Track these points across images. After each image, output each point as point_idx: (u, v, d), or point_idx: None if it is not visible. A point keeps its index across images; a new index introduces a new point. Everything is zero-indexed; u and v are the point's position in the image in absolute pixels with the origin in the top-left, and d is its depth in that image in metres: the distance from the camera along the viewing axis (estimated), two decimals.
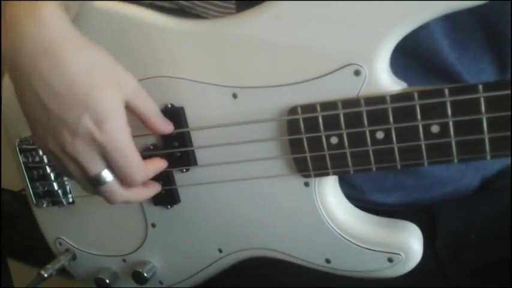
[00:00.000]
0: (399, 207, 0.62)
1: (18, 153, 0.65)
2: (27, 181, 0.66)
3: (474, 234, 0.59)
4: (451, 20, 0.52)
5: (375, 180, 0.61)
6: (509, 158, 0.63)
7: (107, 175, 0.49)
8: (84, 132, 0.46)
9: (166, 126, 0.53)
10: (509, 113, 0.43)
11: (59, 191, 0.65)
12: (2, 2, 0.49)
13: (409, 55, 0.53)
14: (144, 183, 0.53)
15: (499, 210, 0.60)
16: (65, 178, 0.65)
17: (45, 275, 0.64)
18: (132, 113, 0.50)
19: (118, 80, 0.48)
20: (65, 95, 0.45)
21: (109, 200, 0.51)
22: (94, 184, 0.49)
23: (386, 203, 0.62)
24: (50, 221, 0.69)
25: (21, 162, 0.66)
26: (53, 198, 0.66)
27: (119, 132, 0.47)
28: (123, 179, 0.50)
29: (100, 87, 0.46)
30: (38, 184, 0.66)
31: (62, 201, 0.65)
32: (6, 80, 0.64)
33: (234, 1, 0.51)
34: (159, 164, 0.55)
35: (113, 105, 0.47)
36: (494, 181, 0.64)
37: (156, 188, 0.56)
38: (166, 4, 0.57)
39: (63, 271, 0.68)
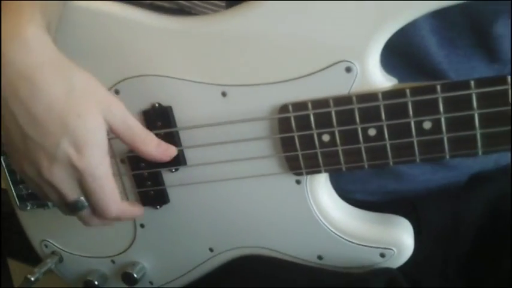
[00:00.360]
0: (380, 204, 0.61)
1: (2, 155, 0.63)
2: (10, 184, 0.64)
3: (463, 228, 0.60)
4: (440, 17, 0.52)
5: (358, 182, 0.61)
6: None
7: (84, 201, 0.49)
8: (62, 157, 0.45)
9: (160, 154, 0.51)
10: (502, 108, 0.43)
11: None
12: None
13: (398, 54, 0.53)
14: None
15: (488, 205, 0.60)
16: None
17: (32, 279, 0.62)
18: (121, 141, 0.50)
19: (100, 104, 0.47)
20: (43, 120, 0.45)
21: (85, 223, 0.52)
22: (71, 209, 0.50)
23: (366, 200, 0.62)
24: (34, 223, 0.67)
25: (4, 164, 0.64)
26: (37, 201, 0.64)
27: (98, 160, 0.46)
28: (95, 209, 0.49)
29: (79, 113, 0.45)
30: (21, 186, 0.64)
31: (46, 204, 0.64)
32: None
33: (236, 1, 0.50)
34: (136, 210, 0.54)
35: (93, 131, 0.46)
36: (480, 176, 0.64)
37: (138, 210, 0.55)
38: (166, 4, 0.56)
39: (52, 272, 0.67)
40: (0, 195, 0.68)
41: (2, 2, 0.46)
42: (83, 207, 0.49)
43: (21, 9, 0.45)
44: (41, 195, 0.51)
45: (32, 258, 0.68)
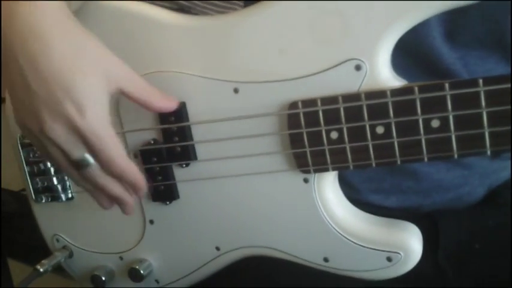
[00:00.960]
0: (399, 212, 0.61)
1: (20, 147, 0.65)
2: (27, 176, 0.66)
3: (479, 245, 0.58)
4: (453, 20, 0.52)
5: (372, 180, 0.60)
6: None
7: (89, 158, 0.49)
8: (64, 116, 0.46)
9: (168, 104, 0.53)
10: (510, 107, 0.43)
11: (58, 186, 0.65)
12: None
13: (410, 55, 0.53)
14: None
15: (505, 222, 0.59)
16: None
17: (41, 270, 0.63)
18: (129, 99, 0.51)
19: (106, 68, 0.48)
20: (49, 78, 0.46)
21: (94, 183, 0.51)
22: (78, 167, 0.50)
23: (384, 206, 0.61)
24: (48, 218, 0.68)
25: (22, 156, 0.66)
26: (52, 194, 0.66)
27: (100, 120, 0.47)
28: (102, 163, 0.49)
29: (84, 74, 0.47)
30: (37, 179, 0.66)
31: (61, 197, 0.65)
32: None
33: (236, 1, 0.52)
34: (139, 174, 0.53)
35: (96, 92, 0.47)
36: (500, 192, 0.63)
37: (130, 200, 0.55)
38: (166, 4, 0.58)
39: (61, 269, 0.68)
40: (0, 195, 0.70)
41: None
42: (88, 164, 0.49)
43: None
44: (46, 155, 0.51)
45: (32, 258, 0.69)
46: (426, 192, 0.61)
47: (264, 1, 0.51)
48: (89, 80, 0.47)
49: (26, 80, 0.46)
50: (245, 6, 0.62)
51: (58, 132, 0.47)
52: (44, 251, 0.69)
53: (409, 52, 0.52)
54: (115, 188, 0.52)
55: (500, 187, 0.64)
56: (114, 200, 0.54)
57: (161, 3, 0.61)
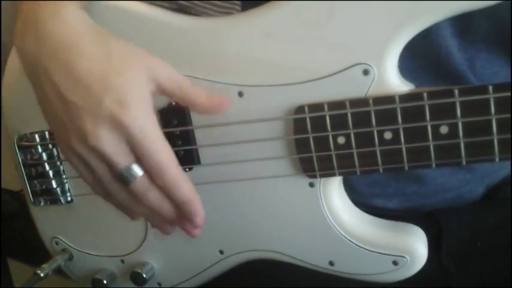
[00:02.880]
0: (401, 213, 0.61)
1: (17, 150, 0.64)
2: (25, 179, 0.65)
3: (481, 243, 0.59)
4: (463, 20, 0.51)
5: (376, 185, 0.60)
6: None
7: (137, 169, 0.45)
8: (106, 114, 0.43)
9: (211, 103, 0.48)
10: None
11: (58, 189, 0.64)
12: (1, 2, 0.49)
13: (418, 57, 0.53)
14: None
15: (506, 219, 0.59)
16: (64, 176, 0.64)
17: (42, 275, 0.62)
18: (171, 98, 0.49)
19: (143, 65, 0.46)
20: (85, 82, 0.44)
21: (141, 199, 0.47)
22: (124, 181, 0.45)
23: (387, 208, 0.61)
24: (47, 220, 0.68)
25: (20, 159, 0.64)
26: (51, 197, 0.65)
27: (144, 114, 0.44)
28: (151, 170, 0.45)
29: (119, 71, 0.45)
30: (36, 182, 0.65)
31: (60, 200, 0.64)
32: (7, 77, 0.64)
33: (235, 1, 0.51)
34: (195, 194, 0.48)
35: (135, 86, 0.45)
36: (499, 189, 0.64)
37: (186, 224, 0.50)
38: (166, 4, 0.57)
39: (60, 270, 0.67)
40: (0, 195, 0.69)
41: None
42: (136, 175, 0.45)
43: None
44: (88, 175, 0.48)
45: (32, 258, 0.69)
46: (428, 195, 0.61)
47: (269, 3, 0.50)
48: (127, 78, 0.44)
49: (61, 94, 0.45)
50: (242, 6, 0.62)
51: (102, 139, 0.44)
52: (44, 251, 0.68)
53: (418, 52, 0.51)
54: (169, 208, 0.48)
55: (499, 184, 0.64)
56: (165, 225, 0.51)
57: (161, 3, 0.59)
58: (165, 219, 0.49)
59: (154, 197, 0.47)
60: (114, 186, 0.47)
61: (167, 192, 0.47)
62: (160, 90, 0.47)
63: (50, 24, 0.46)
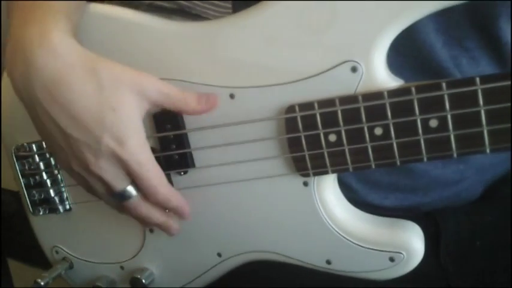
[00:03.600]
0: (398, 212, 0.61)
1: (15, 160, 0.65)
2: (24, 189, 0.66)
3: (479, 242, 0.59)
4: (447, 18, 0.52)
5: (368, 180, 0.60)
6: (510, 163, 0.63)
7: (131, 190, 0.51)
8: (106, 151, 0.48)
9: (203, 107, 0.52)
10: (508, 104, 0.43)
11: (56, 198, 0.64)
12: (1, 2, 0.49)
13: (404, 54, 0.53)
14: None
15: (505, 218, 0.59)
16: (62, 185, 0.65)
17: (42, 283, 0.63)
18: (164, 108, 0.51)
19: (132, 88, 0.48)
20: (82, 119, 0.47)
21: (133, 213, 0.53)
22: (120, 199, 0.52)
23: (383, 206, 0.61)
24: (46, 229, 0.68)
25: (18, 169, 0.65)
26: (50, 206, 0.65)
27: (140, 147, 0.49)
28: (146, 193, 0.51)
29: (113, 107, 0.47)
30: (34, 192, 0.65)
31: (58, 209, 0.65)
32: (4, 87, 0.64)
33: (231, 1, 0.51)
34: (182, 200, 0.55)
35: (129, 121, 0.48)
36: (498, 188, 0.63)
37: (173, 222, 0.57)
38: (166, 4, 0.57)
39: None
40: (0, 195, 0.69)
41: (28, 12, 0.49)
42: (130, 196, 0.51)
43: (45, 17, 0.48)
44: (87, 189, 0.53)
45: (32, 258, 0.69)
46: (424, 190, 0.61)
47: (257, 4, 0.50)
48: (121, 113, 0.48)
49: (60, 127, 0.48)
50: (233, 6, 0.62)
51: (104, 168, 0.49)
52: (44, 251, 0.68)
53: (402, 50, 0.52)
54: (158, 216, 0.54)
55: (497, 182, 0.64)
56: (158, 227, 0.57)
57: (161, 3, 0.60)
58: (157, 225, 0.56)
59: (145, 211, 0.53)
60: (111, 202, 0.53)
61: (160, 205, 0.54)
62: (152, 105, 0.50)
63: (38, 56, 0.47)
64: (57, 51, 0.47)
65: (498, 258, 0.58)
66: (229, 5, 0.64)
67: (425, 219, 0.60)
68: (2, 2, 0.49)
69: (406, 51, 0.53)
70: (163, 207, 0.54)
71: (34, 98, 0.48)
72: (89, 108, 0.47)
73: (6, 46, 0.50)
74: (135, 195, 0.51)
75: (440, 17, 0.51)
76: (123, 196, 0.51)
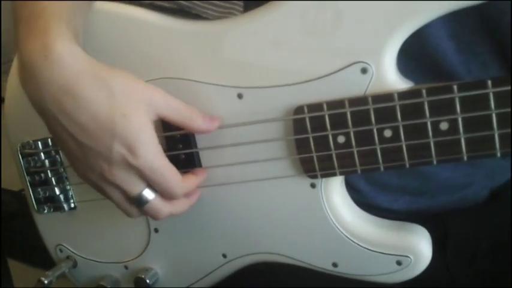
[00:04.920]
0: (406, 215, 0.60)
1: (20, 158, 0.65)
2: (29, 186, 0.65)
3: (485, 244, 0.58)
4: (459, 22, 0.51)
5: (377, 183, 0.60)
6: None
7: (148, 194, 0.50)
8: (118, 159, 0.47)
9: (209, 123, 0.52)
10: None
11: (61, 196, 0.64)
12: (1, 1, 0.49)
13: (415, 58, 0.52)
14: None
15: (510, 220, 0.59)
16: (67, 183, 0.64)
17: (45, 282, 0.62)
18: (168, 121, 0.51)
19: (142, 98, 0.48)
20: (92, 128, 0.47)
21: (154, 216, 0.52)
22: (137, 204, 0.51)
23: (392, 209, 0.61)
24: (50, 228, 0.68)
25: (23, 167, 0.65)
26: (55, 204, 0.65)
27: (152, 154, 0.48)
28: (164, 195, 0.51)
29: (124, 114, 0.47)
30: (39, 189, 0.65)
31: (63, 207, 0.64)
32: (9, 84, 0.64)
33: (236, 1, 0.51)
34: (198, 177, 0.55)
35: (141, 128, 0.47)
36: (504, 191, 0.63)
37: (196, 195, 0.56)
38: (166, 4, 0.57)
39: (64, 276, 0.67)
40: (0, 195, 0.69)
41: (31, 22, 0.48)
42: (147, 200, 0.50)
43: (47, 26, 0.47)
44: (104, 195, 0.52)
45: (32, 258, 0.69)
46: (432, 193, 0.61)
47: (267, 4, 0.50)
48: (132, 119, 0.47)
49: (72, 136, 0.48)
50: (245, 6, 0.62)
51: (118, 175, 0.48)
52: (44, 251, 0.68)
53: (413, 54, 0.51)
54: (181, 209, 0.54)
55: (504, 185, 0.64)
56: None
57: (161, 3, 0.60)
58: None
59: (166, 211, 0.52)
60: (129, 208, 0.52)
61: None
62: (159, 117, 0.50)
63: (44, 69, 0.46)
64: (63, 61, 0.46)
65: (504, 260, 0.57)
66: (229, 5, 0.64)
67: (432, 221, 0.59)
68: (1, 2, 0.49)
69: (418, 55, 0.52)
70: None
71: (47, 110, 0.48)
72: (99, 115, 0.47)
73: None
74: (153, 199, 0.51)
75: (453, 22, 0.51)
76: (141, 201, 0.50)
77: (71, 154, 0.50)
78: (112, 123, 0.47)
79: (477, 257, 0.58)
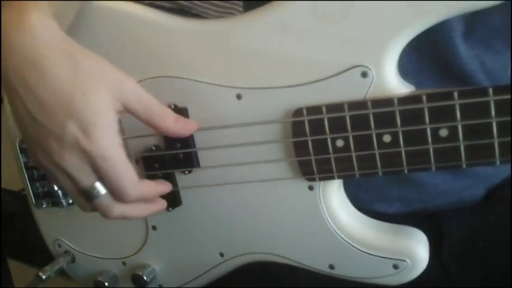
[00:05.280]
0: (402, 217, 0.60)
1: (19, 152, 0.65)
2: (27, 181, 0.65)
3: (482, 243, 0.58)
4: (475, 19, 0.50)
5: (376, 192, 0.60)
6: None
7: (99, 188, 0.47)
8: (70, 140, 0.44)
9: (182, 127, 0.49)
10: None
11: (59, 192, 0.64)
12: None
13: (424, 52, 0.51)
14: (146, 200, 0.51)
15: (507, 219, 0.59)
16: None
17: (44, 277, 0.63)
18: (137, 118, 0.48)
19: (109, 84, 0.45)
20: (50, 104, 0.44)
21: (105, 215, 0.49)
22: (87, 197, 0.47)
23: (387, 213, 0.61)
24: (49, 222, 0.68)
25: (22, 161, 0.65)
26: (53, 199, 0.65)
27: (107, 140, 0.45)
28: (113, 192, 0.47)
29: (84, 93, 0.44)
30: (37, 184, 0.65)
31: (62, 202, 0.65)
32: None
33: (235, 1, 0.50)
34: (159, 186, 0.52)
35: (100, 111, 0.44)
36: (500, 189, 0.63)
37: (159, 205, 0.53)
38: (166, 4, 0.57)
39: (63, 271, 0.67)
40: (0, 195, 0.69)
41: None
42: (98, 194, 0.46)
43: None
44: (57, 184, 0.50)
45: (32, 258, 0.69)
46: (430, 200, 0.60)
47: (268, 5, 0.49)
48: (91, 99, 0.44)
49: (29, 111, 0.45)
50: (244, 6, 0.61)
51: (67, 160, 0.45)
52: (44, 251, 0.69)
53: (423, 51, 0.50)
54: (136, 213, 0.50)
55: (500, 184, 0.63)
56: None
57: (161, 3, 0.59)
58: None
59: (117, 211, 0.48)
60: (79, 200, 0.49)
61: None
62: (126, 109, 0.47)
63: (14, 38, 0.44)
64: (34, 31, 0.44)
65: (500, 259, 0.57)
66: (229, 5, 0.64)
67: (428, 221, 0.59)
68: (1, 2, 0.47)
69: (428, 52, 0.51)
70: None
71: (8, 81, 0.45)
72: (58, 90, 0.44)
73: None
74: (104, 194, 0.47)
75: (468, 19, 0.49)
76: (91, 194, 0.46)
77: (25, 132, 0.47)
78: (70, 101, 0.43)
79: (473, 256, 0.58)
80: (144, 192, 0.49)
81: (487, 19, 0.51)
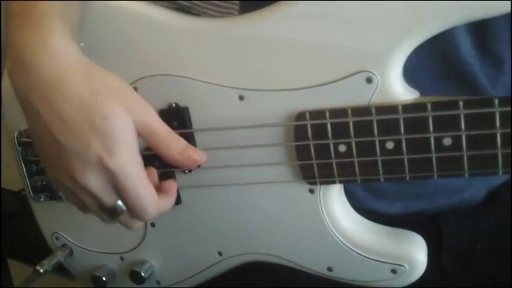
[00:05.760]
0: (402, 218, 0.60)
1: (17, 146, 0.64)
2: (25, 175, 0.65)
3: (481, 245, 0.58)
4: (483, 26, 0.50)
5: (375, 189, 0.60)
6: None
7: (121, 206, 0.48)
8: (93, 159, 0.45)
9: (185, 161, 0.49)
10: None
11: None
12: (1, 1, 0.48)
13: (428, 51, 0.51)
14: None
15: (506, 221, 0.59)
16: None
17: (41, 271, 0.63)
18: (149, 142, 0.48)
19: (126, 104, 0.46)
20: (73, 123, 0.45)
21: (126, 226, 0.52)
22: (111, 214, 0.49)
23: (388, 214, 0.61)
24: (47, 216, 0.68)
25: (20, 155, 0.64)
26: (51, 193, 0.65)
27: (129, 158, 0.46)
28: (133, 212, 0.48)
29: (105, 114, 0.45)
30: (36, 178, 0.65)
31: (60, 196, 0.64)
32: (6, 74, 0.63)
33: (236, 1, 0.49)
34: (171, 199, 0.52)
35: (121, 130, 0.45)
36: (500, 192, 0.63)
37: (170, 201, 0.53)
38: (165, 4, 0.56)
39: (61, 270, 0.67)
40: (0, 195, 0.69)
41: (24, 15, 0.47)
42: (121, 211, 0.48)
43: (42, 21, 0.46)
44: (79, 205, 0.51)
45: (32, 258, 0.69)
46: (429, 197, 0.60)
47: (274, 4, 0.48)
48: (111, 118, 0.45)
49: (51, 132, 0.45)
50: (241, 6, 0.60)
51: (90, 179, 0.46)
52: (44, 251, 0.68)
53: (425, 50, 0.50)
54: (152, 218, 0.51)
55: (500, 186, 0.63)
56: None
57: (161, 3, 0.58)
58: None
59: (138, 222, 0.52)
60: (101, 216, 0.50)
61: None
62: (144, 130, 0.47)
63: (37, 62, 0.45)
64: (56, 55, 0.45)
65: (499, 261, 0.58)
66: (229, 5, 0.63)
67: (427, 222, 0.59)
68: (1, 2, 0.47)
69: (431, 48, 0.50)
70: None
71: (30, 102, 0.46)
72: (80, 112, 0.45)
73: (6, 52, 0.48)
74: (126, 210, 0.48)
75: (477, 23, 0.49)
76: (115, 211, 0.48)
77: (45, 153, 0.48)
78: (92, 123, 0.45)
79: (472, 258, 0.58)
80: (163, 209, 0.50)
81: (489, 20, 0.50)
